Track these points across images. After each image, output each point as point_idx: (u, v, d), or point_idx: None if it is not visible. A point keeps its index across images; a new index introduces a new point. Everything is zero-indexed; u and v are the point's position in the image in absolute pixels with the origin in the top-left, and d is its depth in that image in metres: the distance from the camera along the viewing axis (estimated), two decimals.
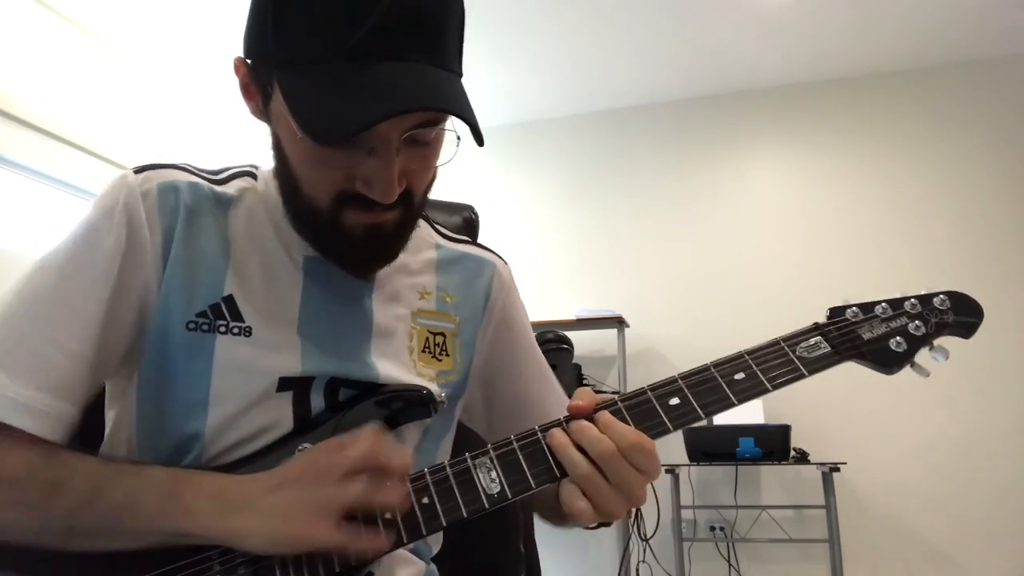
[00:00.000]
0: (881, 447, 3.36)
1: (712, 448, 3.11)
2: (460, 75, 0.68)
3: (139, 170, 0.75)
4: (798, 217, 3.74)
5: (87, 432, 0.80)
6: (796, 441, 3.16)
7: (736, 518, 3.47)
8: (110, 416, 0.78)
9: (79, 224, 0.72)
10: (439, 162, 0.71)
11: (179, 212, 0.73)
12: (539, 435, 0.66)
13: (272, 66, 0.66)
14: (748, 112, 3.90)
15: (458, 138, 0.70)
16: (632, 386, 3.51)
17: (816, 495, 3.22)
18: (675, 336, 3.75)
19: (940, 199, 3.58)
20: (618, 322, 3.56)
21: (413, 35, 0.62)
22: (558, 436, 0.65)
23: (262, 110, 0.71)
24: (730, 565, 3.44)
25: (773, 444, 3.07)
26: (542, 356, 0.95)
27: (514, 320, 0.91)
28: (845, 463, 3.12)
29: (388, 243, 0.73)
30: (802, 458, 3.18)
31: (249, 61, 0.70)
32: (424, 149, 0.68)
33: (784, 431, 3.08)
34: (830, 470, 3.07)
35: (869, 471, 3.36)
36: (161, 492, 0.62)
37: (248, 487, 0.63)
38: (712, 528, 3.48)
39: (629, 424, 0.66)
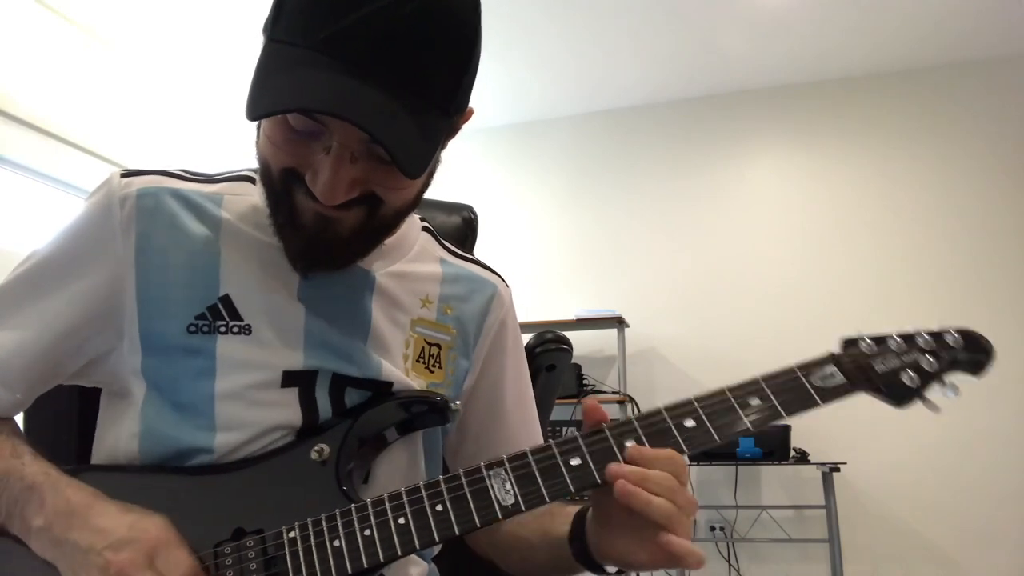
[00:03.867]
0: (881, 447, 3.36)
1: (712, 448, 3.11)
2: (433, 111, 0.65)
3: (125, 174, 0.76)
4: (798, 217, 3.74)
5: (84, 440, 0.81)
6: (796, 441, 3.16)
7: (736, 518, 3.48)
8: (107, 422, 0.78)
9: (67, 222, 0.76)
10: (418, 185, 0.71)
11: (158, 217, 0.74)
12: (554, 450, 0.67)
13: (266, 36, 0.66)
14: (748, 112, 3.90)
15: (437, 159, 0.70)
16: (632, 386, 3.50)
17: (816, 495, 3.23)
18: (675, 336, 3.76)
19: (940, 198, 3.58)
20: (618, 322, 3.56)
21: (378, 53, 0.60)
22: (626, 486, 0.62)
23: None
24: (730, 565, 3.44)
25: (773, 444, 3.08)
26: (527, 385, 0.94)
27: (505, 344, 0.90)
28: (845, 463, 3.13)
29: (340, 245, 0.70)
30: (802, 458, 3.19)
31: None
32: (390, 167, 0.64)
33: (784, 431, 3.08)
34: (830, 470, 3.08)
35: (869, 471, 3.36)
36: (16, 500, 0.66)
37: (76, 530, 0.63)
38: (712, 528, 3.49)
39: (645, 444, 0.66)
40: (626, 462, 0.64)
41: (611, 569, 0.72)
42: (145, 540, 0.61)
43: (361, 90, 0.60)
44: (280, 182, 0.68)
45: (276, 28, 0.64)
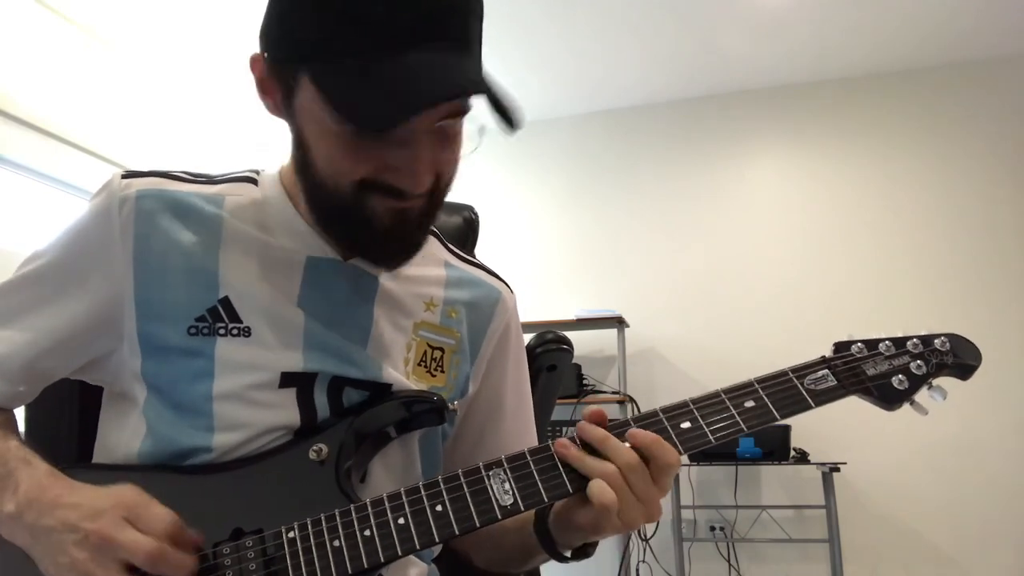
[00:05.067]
0: (881, 447, 3.36)
1: (712, 448, 3.11)
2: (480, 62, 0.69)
3: (126, 175, 0.76)
4: (798, 217, 3.74)
5: (85, 438, 0.81)
6: (796, 441, 3.16)
7: (736, 518, 3.48)
8: (109, 422, 0.78)
9: (69, 223, 0.77)
10: (466, 151, 0.73)
11: (157, 220, 0.74)
12: (552, 451, 0.68)
13: (300, 59, 0.65)
14: (748, 112, 3.90)
15: (481, 129, 0.72)
16: (632, 386, 3.50)
17: (816, 495, 3.23)
18: (675, 336, 3.75)
19: (940, 198, 3.58)
20: (618, 322, 3.56)
21: (444, 25, 0.63)
22: (572, 448, 0.66)
23: (281, 106, 0.71)
24: (730, 565, 3.45)
25: (773, 444, 3.08)
26: (527, 393, 0.94)
27: (508, 350, 0.91)
28: (845, 463, 3.12)
29: (413, 231, 0.73)
30: (802, 458, 3.19)
31: (267, 56, 0.69)
32: (449, 141, 0.69)
33: (784, 431, 3.08)
34: (830, 470, 3.08)
35: (869, 471, 3.36)
36: None
37: (48, 515, 0.62)
38: (712, 528, 3.49)
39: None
40: (631, 445, 0.66)
41: (566, 553, 0.73)
42: (120, 504, 0.61)
43: (465, 64, 0.64)
44: (352, 196, 0.68)
45: (313, 45, 0.63)
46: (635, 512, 0.64)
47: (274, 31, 0.68)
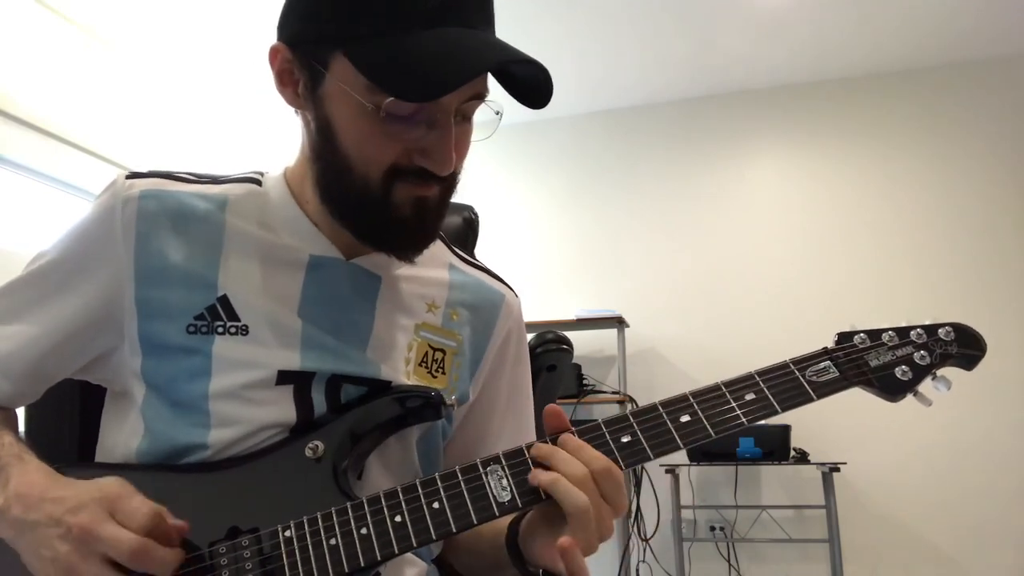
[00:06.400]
0: (881, 447, 3.36)
1: (712, 448, 3.11)
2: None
3: (130, 175, 0.77)
4: (798, 217, 3.74)
5: (86, 437, 0.81)
6: (796, 441, 3.16)
7: (736, 518, 3.47)
8: (110, 421, 0.79)
9: (73, 223, 0.77)
10: (480, 137, 0.74)
11: (160, 219, 0.74)
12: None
13: (333, 41, 0.66)
14: (748, 112, 3.90)
15: (497, 114, 0.72)
16: (632, 386, 3.49)
17: (816, 495, 3.22)
18: (675, 336, 3.75)
19: (940, 198, 3.58)
20: (618, 322, 3.56)
21: (476, 5, 0.66)
22: (541, 475, 0.64)
23: (305, 94, 0.71)
24: (730, 565, 3.44)
25: (773, 444, 3.07)
26: (528, 395, 0.93)
27: (507, 356, 0.90)
28: (845, 463, 3.12)
29: (432, 218, 0.73)
30: (802, 458, 3.19)
31: (292, 44, 0.70)
32: (467, 124, 0.71)
33: (784, 431, 3.08)
34: (830, 470, 3.07)
35: (869, 471, 3.36)
36: None
37: (34, 510, 0.61)
38: (712, 528, 3.49)
39: (641, 440, 0.67)
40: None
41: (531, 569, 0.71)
42: (102, 497, 0.60)
43: (499, 41, 0.66)
44: (379, 183, 0.69)
45: (349, 28, 0.65)
46: (606, 521, 0.62)
47: (300, 17, 0.68)
